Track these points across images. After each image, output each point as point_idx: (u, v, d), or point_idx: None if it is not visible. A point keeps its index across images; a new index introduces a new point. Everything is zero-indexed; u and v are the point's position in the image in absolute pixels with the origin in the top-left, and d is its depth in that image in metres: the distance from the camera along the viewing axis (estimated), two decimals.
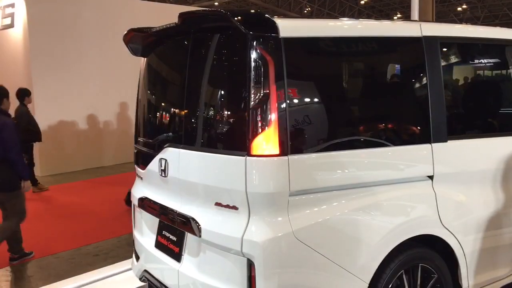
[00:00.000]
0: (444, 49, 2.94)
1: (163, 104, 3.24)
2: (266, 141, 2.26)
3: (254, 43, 2.29)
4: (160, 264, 2.90)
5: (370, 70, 2.84)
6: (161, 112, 3.22)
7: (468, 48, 3.54)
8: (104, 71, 10.07)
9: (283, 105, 2.28)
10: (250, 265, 2.28)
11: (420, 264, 2.67)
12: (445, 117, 2.76)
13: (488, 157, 2.98)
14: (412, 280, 2.66)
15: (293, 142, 2.29)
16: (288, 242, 2.27)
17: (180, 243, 2.73)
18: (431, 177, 2.70)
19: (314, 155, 2.36)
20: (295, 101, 2.36)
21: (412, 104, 2.83)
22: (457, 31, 3.09)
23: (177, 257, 2.73)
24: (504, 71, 4.32)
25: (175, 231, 2.79)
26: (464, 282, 2.81)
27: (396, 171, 2.60)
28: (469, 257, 2.81)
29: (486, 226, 2.92)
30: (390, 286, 2.55)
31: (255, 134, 2.27)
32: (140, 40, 3.17)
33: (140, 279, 3.23)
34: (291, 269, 2.30)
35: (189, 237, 2.66)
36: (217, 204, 2.44)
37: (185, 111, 2.79)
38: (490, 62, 4.26)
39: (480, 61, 4.19)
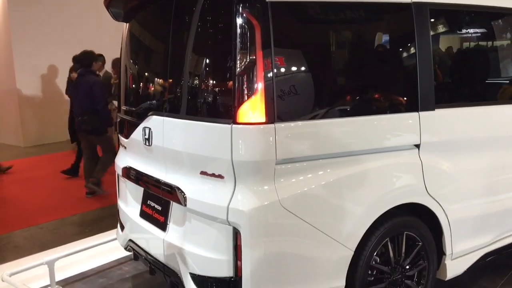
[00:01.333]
0: (434, 16, 2.88)
1: (146, 71, 3.15)
2: (252, 108, 2.21)
3: (240, 7, 2.21)
4: (145, 234, 2.87)
5: (359, 37, 2.79)
6: (144, 79, 3.14)
7: (458, 16, 3.50)
8: (85, 40, 9.82)
9: (270, 71, 2.22)
10: (236, 234, 2.26)
11: (405, 232, 2.68)
12: (433, 85, 2.73)
13: (475, 126, 2.97)
14: (397, 248, 2.68)
15: (280, 110, 2.24)
16: (274, 210, 2.26)
17: (165, 213, 2.70)
18: (417, 146, 2.69)
19: (301, 123, 2.33)
20: (283, 67, 2.30)
21: (400, 72, 2.80)
22: None
23: (162, 226, 2.71)
24: (494, 41, 4.30)
25: (160, 200, 2.76)
26: (448, 249, 2.84)
27: (383, 140, 2.58)
28: (454, 225, 2.83)
29: (471, 195, 2.94)
30: (375, 253, 2.56)
31: (241, 101, 2.22)
32: (121, 4, 3.06)
33: (125, 248, 3.21)
34: (277, 238, 2.29)
35: (174, 206, 2.63)
36: (203, 173, 2.40)
37: (169, 78, 2.72)
38: (480, 31, 4.22)
39: (470, 29, 4.15)
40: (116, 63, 6.94)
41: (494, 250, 3.13)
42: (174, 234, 2.62)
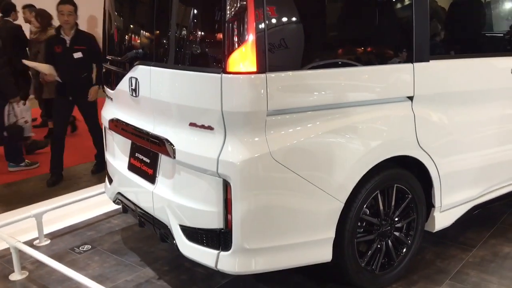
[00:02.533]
0: None
1: (131, 19, 3.02)
2: (243, 57, 2.13)
3: None
4: (134, 187, 2.84)
5: None
6: (129, 28, 3.02)
7: None
8: None
9: (262, 19, 2.12)
10: (226, 186, 2.23)
11: (395, 185, 2.68)
12: (428, 36, 2.65)
13: (470, 78, 2.92)
14: (387, 200, 2.68)
15: (271, 60, 2.16)
16: (265, 162, 2.22)
17: (153, 165, 2.66)
18: (411, 98, 2.64)
19: (292, 73, 2.26)
20: (274, 17, 2.20)
21: (395, 23, 2.71)
22: None
23: (151, 179, 2.67)
24: None
25: (148, 153, 2.71)
26: (437, 202, 2.85)
27: (376, 92, 2.52)
28: (444, 179, 2.83)
29: (463, 148, 2.93)
30: (365, 205, 2.56)
31: (232, 50, 2.13)
32: None
33: (114, 201, 3.18)
34: (268, 190, 2.27)
35: (163, 159, 2.59)
36: (192, 124, 2.34)
37: (156, 26, 2.61)
38: None
39: None
40: (41, 14, 6.09)
41: (482, 203, 3.16)
42: (163, 186, 2.58)
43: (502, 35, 3.71)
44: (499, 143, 3.14)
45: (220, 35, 2.17)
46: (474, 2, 3.62)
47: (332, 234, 2.46)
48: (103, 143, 3.38)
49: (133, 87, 2.67)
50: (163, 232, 2.61)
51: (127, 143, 2.92)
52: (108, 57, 3.13)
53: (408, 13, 2.60)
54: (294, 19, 2.32)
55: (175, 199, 2.47)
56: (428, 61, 2.65)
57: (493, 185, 3.20)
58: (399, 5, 2.74)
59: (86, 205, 3.86)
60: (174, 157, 2.40)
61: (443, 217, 2.93)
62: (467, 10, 3.60)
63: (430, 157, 2.74)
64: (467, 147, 2.95)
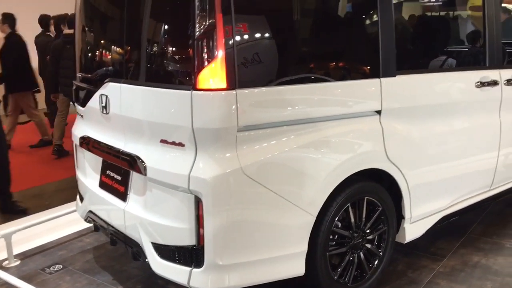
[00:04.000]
0: None
1: (101, 37, 3.02)
2: (213, 74, 2.15)
3: None
4: (105, 205, 2.81)
5: (321, 3, 2.75)
6: (100, 45, 3.01)
7: None
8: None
9: (231, 36, 2.15)
10: (198, 203, 2.23)
11: (366, 197, 2.72)
12: (394, 52, 2.73)
13: (436, 92, 3.00)
14: (358, 213, 2.72)
15: (242, 76, 2.19)
16: (237, 178, 2.23)
17: (125, 182, 2.64)
18: (379, 112, 2.70)
19: (263, 89, 2.29)
20: (244, 34, 2.24)
21: (362, 39, 2.78)
22: None
23: (123, 196, 2.65)
24: (457, 8, 4.35)
25: (119, 170, 2.69)
26: (407, 213, 2.90)
27: (345, 106, 2.57)
28: (413, 190, 2.89)
29: (432, 159, 3.00)
30: (336, 218, 2.59)
31: (201, 67, 2.15)
32: None
33: (85, 220, 3.14)
34: (240, 205, 2.28)
35: (134, 176, 2.57)
36: (163, 141, 2.34)
37: (126, 43, 2.61)
38: (441, 0, 4.26)
39: None
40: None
41: (451, 213, 3.23)
42: (134, 204, 2.57)
43: (465, 50, 3.85)
44: (466, 154, 3.22)
45: (190, 52, 2.20)
46: (439, 19, 3.75)
47: (304, 247, 2.48)
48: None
49: (104, 104, 2.66)
50: (135, 250, 2.59)
51: (98, 160, 2.89)
52: (79, 75, 3.12)
53: (375, 29, 2.68)
54: (263, 35, 2.36)
55: (147, 217, 2.46)
56: (394, 76, 2.72)
57: (461, 195, 3.28)
58: (366, 22, 2.82)
59: (57, 224, 3.80)
60: (145, 174, 2.40)
61: (414, 228, 2.99)
62: (432, 26, 3.72)
63: (399, 169, 2.79)
64: (435, 159, 3.02)
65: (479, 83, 3.17)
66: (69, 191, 4.75)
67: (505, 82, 3.35)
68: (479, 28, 3.34)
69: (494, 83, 3.25)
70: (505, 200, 4.02)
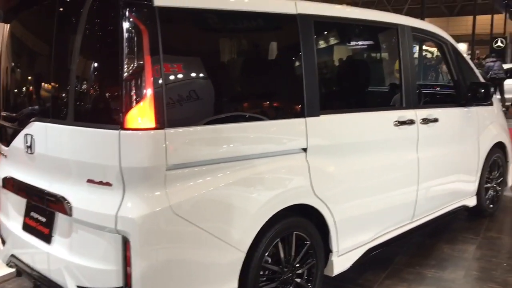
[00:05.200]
0: (319, 28, 3.06)
1: (27, 75, 2.97)
2: (141, 114, 2.18)
3: (127, 11, 2.19)
4: (29, 248, 2.70)
5: (248, 46, 2.89)
6: (26, 82, 2.96)
7: (343, 28, 3.75)
8: None
9: (159, 77, 2.21)
10: (126, 243, 2.21)
11: (294, 232, 2.80)
12: (317, 93, 2.89)
13: (358, 130, 3.19)
14: (287, 248, 2.79)
15: (170, 115, 2.24)
16: (166, 217, 2.24)
17: (50, 224, 2.56)
18: (305, 150, 2.83)
19: (192, 128, 2.34)
20: (173, 74, 2.31)
21: (288, 80, 2.93)
22: (333, 11, 3.21)
23: (47, 239, 2.56)
24: (375, 52, 4.68)
25: (44, 211, 2.61)
26: (334, 246, 3.01)
27: (272, 144, 2.68)
28: (339, 224, 3.01)
29: (356, 194, 3.15)
30: (266, 254, 2.64)
31: (129, 107, 2.18)
32: (1, 4, 2.86)
33: (7, 264, 2.98)
34: (169, 245, 2.28)
35: (59, 217, 2.50)
36: (90, 181, 2.32)
37: (53, 82, 2.59)
38: (363, 43, 4.58)
39: (354, 41, 4.48)
40: None
41: (377, 245, 3.38)
42: (59, 246, 2.49)
43: (385, 90, 4.13)
44: (388, 189, 3.42)
45: (118, 92, 2.22)
46: (360, 62, 4.02)
47: (235, 284, 2.50)
48: None
49: (28, 144, 2.60)
50: None
51: (21, 202, 2.79)
52: (3, 113, 3.03)
53: (299, 72, 2.84)
54: (192, 75, 2.44)
55: (72, 259, 2.39)
56: (318, 115, 2.88)
57: (385, 228, 3.45)
58: (291, 65, 2.98)
59: None
60: (71, 215, 2.35)
61: (341, 261, 3.09)
62: (355, 69, 3.98)
63: (326, 204, 2.91)
64: (359, 193, 3.17)
65: (397, 122, 3.41)
66: None
67: (421, 121, 3.62)
68: (396, 70, 3.61)
69: (411, 122, 3.51)
70: (426, 231, 4.27)
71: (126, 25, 2.18)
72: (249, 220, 2.52)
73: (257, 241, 2.57)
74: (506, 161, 4.95)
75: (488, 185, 4.73)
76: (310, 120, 2.83)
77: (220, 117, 2.47)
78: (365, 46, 4.32)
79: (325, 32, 3.50)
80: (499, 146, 4.78)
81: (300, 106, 2.81)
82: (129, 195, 2.22)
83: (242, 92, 2.73)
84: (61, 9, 2.56)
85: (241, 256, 2.50)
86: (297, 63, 2.87)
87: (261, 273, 2.65)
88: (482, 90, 4.17)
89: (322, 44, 3.46)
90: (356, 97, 3.62)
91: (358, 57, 4.25)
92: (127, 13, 2.18)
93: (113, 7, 2.23)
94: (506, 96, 12.80)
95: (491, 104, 4.62)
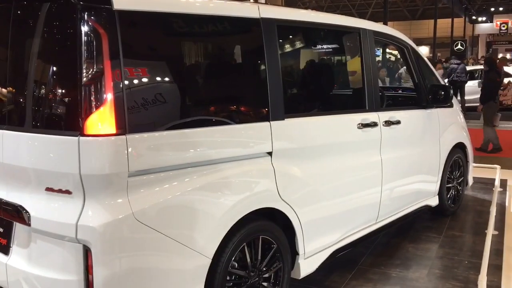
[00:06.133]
0: (282, 31, 3.07)
1: None
2: (101, 119, 2.14)
3: (85, 14, 2.14)
4: None
5: (211, 49, 2.87)
6: None
7: (306, 32, 3.78)
8: None
9: (120, 81, 2.17)
10: (87, 252, 2.15)
11: (260, 236, 2.80)
12: (282, 97, 2.90)
13: (322, 133, 3.22)
14: (254, 252, 2.78)
15: (132, 121, 2.20)
16: (128, 224, 2.20)
17: (7, 234, 2.47)
18: (270, 153, 2.83)
19: (155, 134, 2.30)
20: (136, 77, 2.27)
21: (252, 85, 2.92)
22: (296, 15, 3.23)
23: (5, 250, 2.47)
24: (338, 55, 4.74)
25: (1, 221, 2.51)
26: (300, 249, 3.02)
27: (237, 148, 2.67)
28: (305, 227, 3.02)
29: (321, 197, 3.17)
30: (232, 259, 2.63)
31: (89, 112, 2.13)
32: None
33: None
34: (132, 253, 2.23)
35: (17, 227, 2.42)
36: (48, 189, 2.25)
37: (9, 87, 2.51)
38: (327, 46, 4.63)
39: (317, 45, 4.53)
40: None
41: (343, 246, 3.42)
42: (18, 257, 2.40)
43: (348, 93, 4.19)
44: (352, 190, 3.46)
45: (77, 97, 2.16)
46: (324, 66, 4.07)
47: None
48: None
49: None
50: None
51: None
52: None
53: (263, 76, 2.84)
54: (156, 79, 2.40)
55: (32, 270, 2.31)
56: (283, 119, 2.89)
57: (350, 229, 3.49)
58: (254, 69, 2.97)
59: None
60: (29, 225, 2.27)
61: (308, 264, 3.11)
62: (317, 72, 4.02)
63: (291, 207, 2.92)
64: (324, 196, 3.20)
65: (360, 124, 3.46)
66: None
67: (384, 123, 3.69)
68: (359, 73, 3.66)
69: (374, 124, 3.57)
70: (390, 231, 4.35)
71: (84, 29, 2.13)
72: (215, 225, 2.51)
73: (223, 246, 2.55)
74: (466, 161, 5.10)
75: (450, 185, 4.86)
76: (275, 124, 2.84)
77: (183, 122, 2.45)
78: (329, 50, 4.37)
79: (289, 36, 3.52)
80: (460, 147, 4.92)
81: (265, 109, 2.82)
82: (90, 203, 2.17)
83: (207, 96, 2.71)
84: (18, 13, 2.48)
85: (207, 262, 2.48)
86: (261, 67, 2.87)
87: (228, 278, 2.63)
88: (442, 92, 4.29)
89: (286, 48, 3.48)
90: (320, 100, 3.65)
91: (322, 61, 4.30)
92: (85, 17, 2.13)
93: (71, 10, 2.18)
94: (467, 97, 13.19)
95: (451, 106, 4.75)
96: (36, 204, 2.30)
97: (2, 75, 2.59)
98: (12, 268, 2.41)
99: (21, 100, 2.45)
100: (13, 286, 2.42)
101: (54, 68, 2.36)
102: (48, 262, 2.28)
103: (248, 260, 2.74)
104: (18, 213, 2.32)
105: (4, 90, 2.57)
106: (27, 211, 2.29)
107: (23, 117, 2.41)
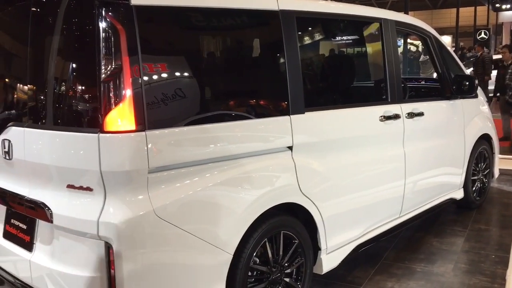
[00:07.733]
0: (301, 24, 3.02)
1: (4, 78, 2.89)
2: (121, 116, 2.13)
3: (103, 10, 2.13)
4: (10, 256, 2.63)
5: (230, 43, 2.83)
6: (1, 87, 2.88)
7: (326, 24, 3.72)
8: None
9: (139, 78, 2.15)
10: (109, 249, 2.15)
11: (282, 232, 2.77)
12: (302, 90, 2.85)
13: (343, 126, 3.16)
14: (275, 247, 2.75)
15: (152, 117, 2.19)
16: (149, 221, 2.19)
17: (30, 231, 2.50)
18: (290, 148, 2.79)
19: (175, 129, 2.28)
20: (155, 72, 2.25)
21: (272, 78, 2.88)
22: (315, 6, 3.17)
23: (28, 246, 2.50)
24: (359, 47, 4.65)
25: (24, 218, 2.54)
26: (322, 244, 2.98)
27: (258, 143, 2.64)
28: (327, 222, 2.98)
29: (342, 191, 3.13)
30: (254, 254, 2.60)
31: (108, 109, 2.12)
32: None
33: None
34: (153, 249, 2.23)
35: (40, 224, 2.44)
36: (70, 186, 2.26)
37: (29, 85, 2.52)
38: (347, 38, 4.55)
39: (337, 36, 4.45)
40: None
41: (365, 241, 3.36)
42: (41, 254, 2.43)
43: (370, 85, 4.11)
44: (375, 184, 3.40)
45: (96, 94, 2.16)
46: (344, 58, 3.99)
47: (222, 287, 2.46)
48: None
49: (6, 149, 2.52)
50: None
51: (1, 209, 2.72)
52: None
53: (282, 70, 2.80)
54: (175, 74, 2.38)
55: (54, 267, 2.33)
56: (303, 113, 2.84)
57: (373, 224, 3.43)
58: (273, 62, 2.93)
59: None
60: (52, 222, 2.29)
61: (330, 259, 3.07)
62: (339, 65, 3.95)
63: (313, 202, 2.88)
64: (346, 190, 3.15)
65: (382, 117, 3.39)
66: None
67: (406, 115, 3.61)
68: (381, 65, 3.58)
69: (396, 116, 3.49)
70: (414, 225, 4.27)
71: (102, 25, 2.12)
72: (236, 220, 2.48)
73: (244, 241, 2.53)
74: (492, 152, 4.97)
75: (475, 177, 4.75)
76: (295, 117, 2.79)
77: (203, 118, 2.42)
78: (349, 41, 4.29)
79: (309, 28, 3.46)
80: (485, 138, 4.80)
81: (284, 103, 2.77)
82: (111, 200, 2.16)
83: (226, 90, 2.68)
84: (37, 10, 2.49)
85: (228, 257, 2.46)
86: (281, 60, 2.83)
87: (249, 274, 2.61)
88: (467, 83, 4.17)
89: (305, 40, 3.42)
90: (341, 92, 3.59)
91: (342, 53, 4.23)
92: (103, 13, 2.12)
93: (89, 7, 2.17)
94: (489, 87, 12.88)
95: (476, 97, 4.63)
96: (58, 201, 2.31)
97: (22, 72, 2.62)
98: (35, 265, 2.43)
99: (41, 97, 2.46)
100: (36, 282, 2.45)
101: (73, 65, 2.36)
102: (70, 258, 2.30)
103: (270, 255, 2.72)
104: (40, 210, 2.33)
105: (24, 87, 2.59)
106: (49, 208, 2.30)
107: (44, 114, 2.42)
